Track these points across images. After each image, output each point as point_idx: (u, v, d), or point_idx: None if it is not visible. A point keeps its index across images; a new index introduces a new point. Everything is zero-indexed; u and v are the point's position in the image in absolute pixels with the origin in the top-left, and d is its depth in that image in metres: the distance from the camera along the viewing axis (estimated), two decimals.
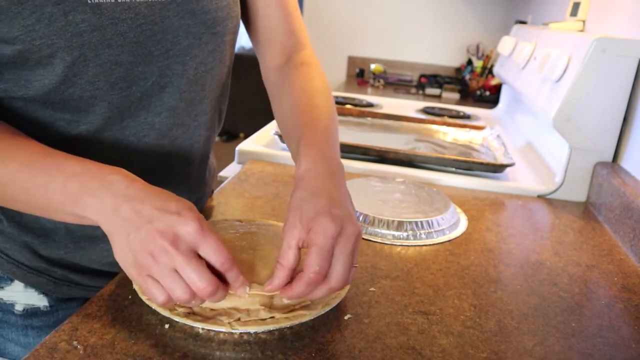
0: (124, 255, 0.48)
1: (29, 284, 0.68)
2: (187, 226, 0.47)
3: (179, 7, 0.59)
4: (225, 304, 0.52)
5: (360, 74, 2.62)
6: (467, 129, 1.41)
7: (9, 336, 0.70)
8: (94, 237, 0.68)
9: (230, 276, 0.49)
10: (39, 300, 0.69)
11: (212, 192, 0.87)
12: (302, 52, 0.74)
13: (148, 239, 0.46)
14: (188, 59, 0.62)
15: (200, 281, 0.46)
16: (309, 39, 0.77)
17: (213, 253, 0.48)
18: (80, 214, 0.50)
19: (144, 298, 0.53)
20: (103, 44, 0.53)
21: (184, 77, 0.63)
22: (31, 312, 0.69)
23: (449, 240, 0.77)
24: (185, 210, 0.48)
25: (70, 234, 0.67)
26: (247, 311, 0.52)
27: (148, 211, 0.47)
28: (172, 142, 0.66)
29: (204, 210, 0.81)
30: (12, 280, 0.68)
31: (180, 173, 0.70)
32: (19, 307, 0.69)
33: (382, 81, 2.49)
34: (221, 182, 0.95)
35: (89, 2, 0.51)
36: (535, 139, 1.27)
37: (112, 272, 0.71)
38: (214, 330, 0.51)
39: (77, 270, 0.69)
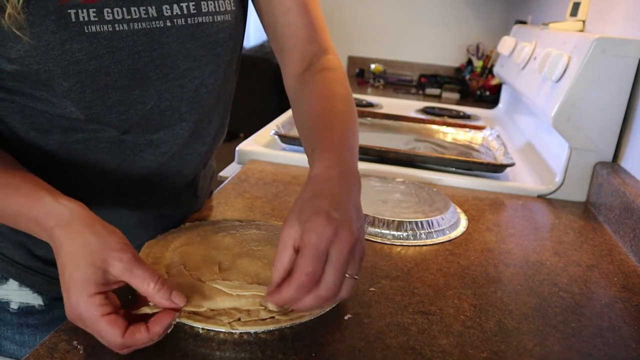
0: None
1: (23, 282, 0.68)
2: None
3: (179, 32, 0.58)
4: (225, 304, 0.52)
5: (360, 74, 2.62)
6: (467, 129, 1.41)
7: (4, 334, 0.70)
8: None
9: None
10: (34, 299, 0.69)
11: (212, 192, 0.87)
12: (323, 57, 0.71)
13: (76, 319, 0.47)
14: (187, 81, 0.61)
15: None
16: (331, 42, 0.73)
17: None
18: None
19: None
20: (100, 72, 0.54)
21: (183, 99, 0.62)
22: (26, 311, 0.69)
23: (449, 240, 0.77)
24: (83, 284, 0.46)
25: None
26: (247, 311, 0.52)
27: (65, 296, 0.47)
28: (170, 156, 0.66)
29: (203, 211, 0.81)
30: (6, 279, 0.68)
31: (171, 184, 0.70)
32: (14, 306, 0.69)
33: (382, 81, 2.49)
34: (221, 182, 0.95)
35: (86, 31, 0.51)
36: (535, 139, 1.27)
37: None
38: (214, 330, 0.51)
39: None
